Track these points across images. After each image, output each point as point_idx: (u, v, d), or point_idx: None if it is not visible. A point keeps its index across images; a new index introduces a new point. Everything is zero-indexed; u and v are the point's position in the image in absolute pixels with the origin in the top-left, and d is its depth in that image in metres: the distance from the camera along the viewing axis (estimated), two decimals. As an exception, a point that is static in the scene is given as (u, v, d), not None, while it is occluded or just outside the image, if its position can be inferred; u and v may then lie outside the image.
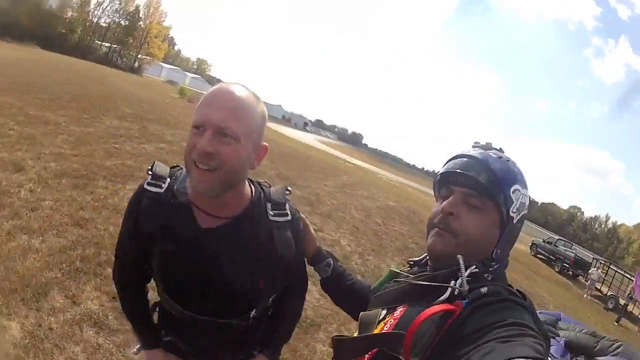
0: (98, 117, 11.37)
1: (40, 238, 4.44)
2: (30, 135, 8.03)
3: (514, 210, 1.06)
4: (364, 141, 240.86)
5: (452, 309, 0.91)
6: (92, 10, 68.50)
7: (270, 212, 1.33)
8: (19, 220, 4.69)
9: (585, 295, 20.17)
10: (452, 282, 0.97)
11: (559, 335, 1.28)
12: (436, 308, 0.91)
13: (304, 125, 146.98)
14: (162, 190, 1.26)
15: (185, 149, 1.17)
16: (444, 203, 1.09)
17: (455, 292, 0.96)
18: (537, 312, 1.07)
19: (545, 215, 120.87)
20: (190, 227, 1.26)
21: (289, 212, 1.37)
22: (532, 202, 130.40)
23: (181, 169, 1.34)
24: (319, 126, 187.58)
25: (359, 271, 6.79)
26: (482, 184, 1.05)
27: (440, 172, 1.15)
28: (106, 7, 70.32)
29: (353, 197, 12.41)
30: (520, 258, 17.73)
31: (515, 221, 1.08)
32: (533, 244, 25.71)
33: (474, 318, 0.90)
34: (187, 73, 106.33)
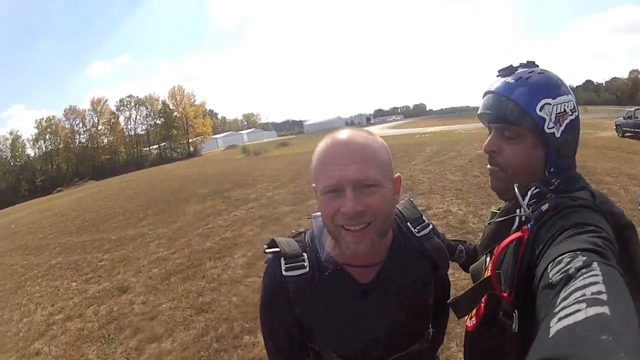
0: (180, 211, 12.13)
1: (170, 339, 4.86)
2: (122, 256, 8.52)
3: (550, 126, 1.13)
4: (428, 108, 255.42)
5: (520, 236, 1.06)
6: (124, 128, 77.27)
7: (415, 230, 1.37)
8: (142, 333, 5.16)
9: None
10: (518, 211, 1.17)
11: None
12: (504, 242, 1.08)
13: (367, 120, 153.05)
14: (307, 270, 1.23)
15: (324, 217, 1.15)
16: (484, 144, 1.25)
17: (523, 219, 1.13)
18: None
19: (614, 92, 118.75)
20: (352, 287, 1.24)
21: (428, 222, 1.41)
22: (597, 85, 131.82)
23: (303, 234, 1.34)
24: (380, 115, 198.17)
25: (480, 229, 6.75)
26: (506, 116, 1.17)
27: (478, 114, 1.31)
28: (136, 117, 79.35)
29: (444, 163, 12.91)
30: (612, 145, 17.87)
31: (558, 134, 1.14)
32: (616, 125, 25.95)
33: (539, 236, 1.00)
34: (241, 132, 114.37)
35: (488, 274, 1.16)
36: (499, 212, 1.37)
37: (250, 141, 71.20)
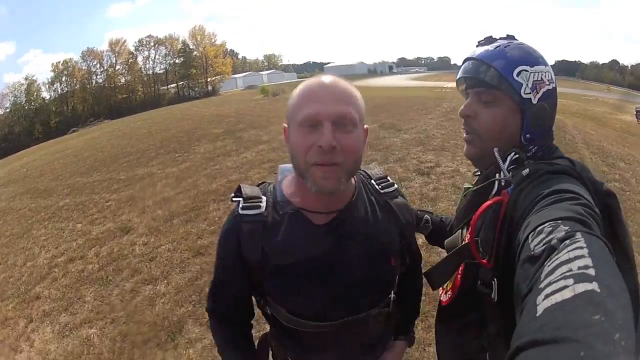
0: (190, 150, 12.11)
1: (165, 281, 5.04)
2: (128, 196, 8.59)
3: (527, 92, 1.17)
4: (452, 62, 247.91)
5: (500, 199, 1.08)
6: (142, 67, 77.68)
7: (379, 187, 1.42)
8: (140, 274, 5.36)
9: None
10: (497, 175, 1.19)
11: None
12: (483, 206, 1.09)
13: (389, 69, 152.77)
14: (262, 209, 1.27)
15: (295, 153, 1.17)
16: (460, 108, 1.30)
17: (503, 183, 1.15)
18: None
19: (638, 77, 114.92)
20: (306, 228, 1.27)
21: (393, 182, 1.47)
22: (622, 68, 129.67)
23: (269, 183, 1.40)
24: (404, 65, 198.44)
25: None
26: (484, 80, 1.21)
27: (457, 80, 1.37)
28: (155, 57, 79.49)
29: (460, 121, 12.09)
30: (630, 129, 17.82)
31: (535, 100, 1.18)
32: (637, 111, 26.13)
33: (519, 200, 1.02)
34: (261, 73, 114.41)
35: (466, 242, 1.20)
36: (473, 186, 1.39)
37: (270, 82, 71.41)
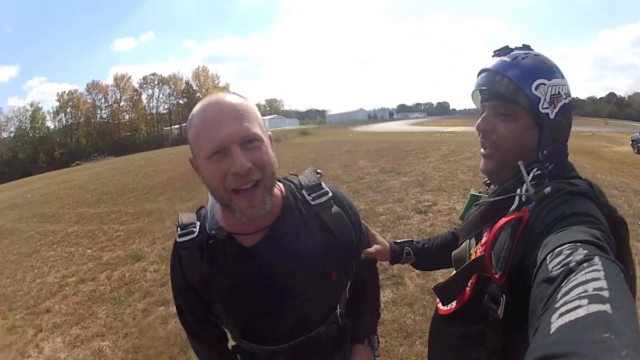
0: (197, 189, 12.47)
1: None
2: (137, 228, 9.05)
3: (545, 106, 1.16)
4: (451, 107, 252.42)
5: (520, 216, 1.07)
6: (146, 106, 79.78)
7: (310, 198, 1.37)
8: (152, 297, 5.66)
9: None
10: (518, 190, 1.15)
11: None
12: (502, 221, 1.08)
13: (390, 115, 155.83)
14: (195, 235, 1.31)
15: (212, 184, 1.16)
16: (477, 122, 1.27)
17: (523, 199, 1.13)
18: None
19: (636, 108, 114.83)
20: (236, 252, 1.29)
21: (327, 190, 1.40)
22: (619, 99, 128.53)
23: (204, 208, 1.40)
24: (403, 111, 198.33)
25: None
26: (502, 93, 1.19)
27: (472, 93, 1.36)
28: (158, 95, 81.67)
29: (457, 163, 13.33)
30: (626, 160, 17.96)
31: (553, 115, 1.17)
32: (632, 140, 24.93)
33: (539, 219, 1.02)
34: (263, 117, 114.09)
35: (478, 254, 1.17)
36: (485, 194, 1.40)
37: (271, 127, 72.04)
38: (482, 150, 1.30)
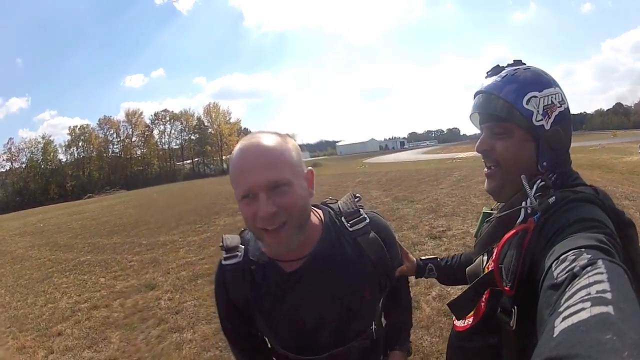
0: (210, 222, 12.89)
1: (191, 331, 5.43)
2: (151, 259, 9.18)
3: (538, 119, 1.20)
4: (462, 133, 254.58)
5: (526, 227, 1.09)
6: (158, 140, 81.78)
7: (348, 225, 1.50)
8: (166, 324, 5.75)
9: None
10: (523, 203, 1.19)
11: None
12: (508, 234, 1.11)
13: (401, 145, 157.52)
14: (240, 259, 1.45)
15: (246, 222, 1.28)
16: (476, 144, 1.34)
17: (529, 211, 1.15)
18: None
19: None
20: (278, 275, 1.42)
21: (365, 216, 1.53)
22: (626, 108, 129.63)
23: (245, 230, 1.52)
24: (414, 140, 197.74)
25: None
26: (495, 114, 1.26)
27: (470, 116, 1.43)
28: (170, 131, 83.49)
29: (470, 188, 13.58)
30: (636, 169, 17.67)
31: (548, 126, 1.21)
32: None
33: (545, 228, 1.04)
34: None
35: (489, 269, 1.20)
36: (495, 210, 1.47)
37: None
38: (485, 169, 1.37)
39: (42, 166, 70.26)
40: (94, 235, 13.63)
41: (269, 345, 1.61)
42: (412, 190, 14.59)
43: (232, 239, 1.50)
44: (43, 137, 73.76)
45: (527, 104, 1.20)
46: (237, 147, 1.29)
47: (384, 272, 1.53)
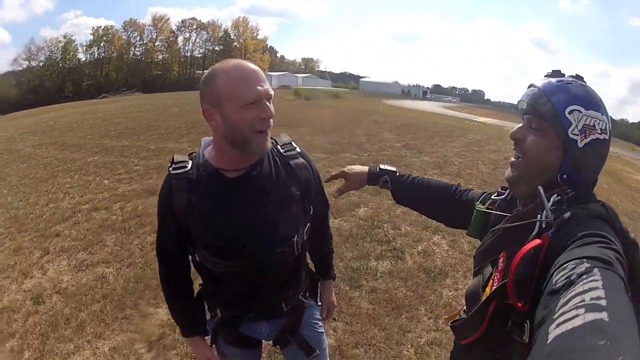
0: None
1: None
2: (157, 165, 9.18)
3: (575, 132, 1.19)
4: (486, 97, 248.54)
5: (540, 243, 1.08)
6: (181, 47, 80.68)
7: (282, 150, 1.83)
8: None
9: None
10: (539, 216, 1.18)
11: None
12: (525, 248, 1.09)
13: (423, 94, 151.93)
14: (187, 169, 1.67)
15: (244, 125, 1.53)
16: (511, 131, 1.35)
17: (543, 225, 1.15)
18: None
19: None
20: (221, 181, 1.67)
21: (296, 147, 1.88)
22: None
23: (194, 152, 1.80)
24: (438, 92, 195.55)
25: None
26: (538, 110, 1.25)
27: (518, 101, 1.39)
28: (195, 40, 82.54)
29: (480, 153, 13.45)
30: None
31: (581, 144, 1.19)
32: None
33: (556, 244, 1.06)
34: (297, 75, 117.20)
35: (496, 281, 1.25)
36: (493, 210, 1.53)
37: (304, 85, 73.61)
38: (512, 158, 1.36)
39: (61, 65, 69.76)
40: (104, 137, 13.58)
41: (198, 260, 1.78)
42: (424, 141, 14.44)
43: (181, 157, 1.73)
44: (65, 37, 72.68)
45: (569, 114, 1.19)
46: (226, 65, 1.55)
47: (308, 191, 1.84)
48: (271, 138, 1.74)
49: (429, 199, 1.91)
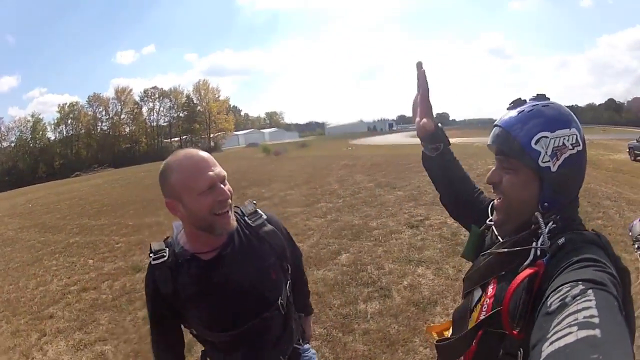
0: None
1: None
2: (138, 241, 9.54)
3: (545, 160, 1.19)
4: (451, 118, 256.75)
5: (536, 270, 1.07)
6: (146, 118, 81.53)
7: (250, 221, 1.89)
8: None
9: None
10: (534, 243, 1.18)
11: None
12: (521, 276, 1.07)
13: (389, 127, 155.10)
14: (166, 258, 1.72)
15: (201, 213, 1.61)
16: (487, 175, 1.34)
17: (538, 252, 1.15)
18: None
19: (635, 113, 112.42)
20: (199, 264, 1.73)
21: (262, 214, 1.94)
22: (619, 105, 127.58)
23: (168, 237, 1.85)
24: (403, 122, 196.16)
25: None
26: (505, 149, 1.27)
27: (487, 145, 1.38)
28: (159, 108, 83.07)
29: None
30: (622, 168, 18.51)
31: (555, 168, 1.20)
32: (629, 148, 25.56)
33: (550, 270, 1.05)
34: (263, 131, 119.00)
35: (485, 306, 1.25)
36: (487, 231, 1.53)
37: (271, 140, 75.81)
38: (495, 201, 1.39)
39: (31, 145, 69.91)
40: (82, 216, 13.96)
41: (195, 333, 1.87)
42: (395, 176, 14.86)
43: (158, 245, 1.79)
44: (32, 116, 72.91)
45: (536, 144, 1.19)
46: (177, 158, 1.63)
47: (283, 255, 1.92)
48: (236, 207, 1.90)
49: (453, 183, 1.91)
